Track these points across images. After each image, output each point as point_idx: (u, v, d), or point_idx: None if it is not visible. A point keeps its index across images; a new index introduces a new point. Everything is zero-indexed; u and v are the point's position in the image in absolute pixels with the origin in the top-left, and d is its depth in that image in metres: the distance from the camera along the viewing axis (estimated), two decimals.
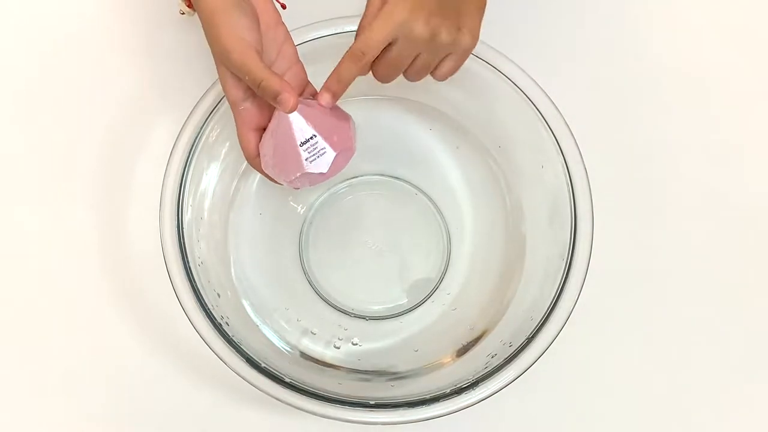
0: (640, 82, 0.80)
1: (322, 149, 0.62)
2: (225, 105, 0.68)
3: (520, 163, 0.74)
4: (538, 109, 0.68)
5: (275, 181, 0.65)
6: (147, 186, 0.75)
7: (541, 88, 0.68)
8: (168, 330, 0.75)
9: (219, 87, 0.67)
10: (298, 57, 0.64)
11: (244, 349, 0.65)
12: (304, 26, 0.67)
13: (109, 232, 0.76)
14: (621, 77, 0.79)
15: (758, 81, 0.80)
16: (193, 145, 0.67)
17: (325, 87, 0.61)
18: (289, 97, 0.59)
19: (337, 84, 0.61)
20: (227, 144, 0.72)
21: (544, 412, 0.76)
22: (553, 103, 0.68)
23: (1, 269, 0.76)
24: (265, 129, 0.64)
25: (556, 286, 0.67)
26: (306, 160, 0.62)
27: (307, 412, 0.64)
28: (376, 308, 0.76)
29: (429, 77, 0.64)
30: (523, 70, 0.68)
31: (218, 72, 0.62)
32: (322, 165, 0.62)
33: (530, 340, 0.66)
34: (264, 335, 0.73)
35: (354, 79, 0.61)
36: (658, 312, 0.77)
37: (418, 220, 0.77)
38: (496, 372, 0.65)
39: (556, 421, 0.76)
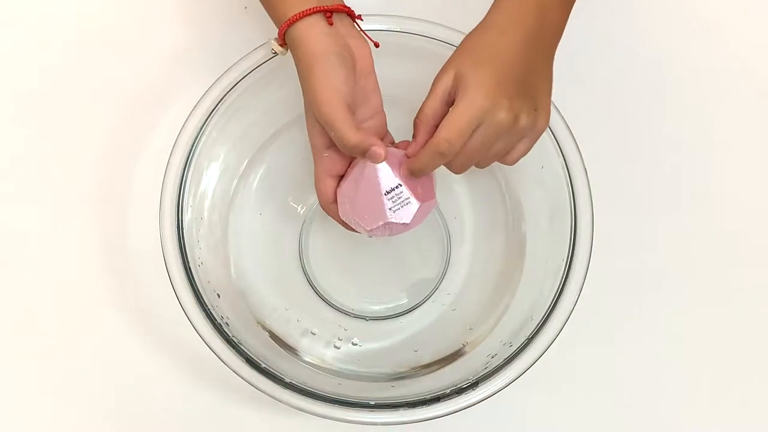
0: (640, 82, 0.80)
1: (407, 199, 0.61)
2: (225, 105, 0.68)
3: (520, 163, 0.74)
4: None
5: (351, 228, 0.65)
6: (147, 186, 0.74)
7: None
8: (168, 330, 0.75)
9: (219, 87, 0.67)
10: (382, 107, 0.64)
11: (244, 349, 0.65)
12: None
13: (109, 232, 0.76)
14: (621, 77, 0.79)
15: (758, 81, 0.80)
16: (193, 145, 0.67)
17: (409, 168, 0.61)
18: (379, 150, 0.59)
19: (420, 172, 0.61)
20: (227, 144, 0.72)
21: (544, 412, 0.76)
22: (552, 103, 0.68)
23: (0, 269, 0.76)
24: (342, 176, 0.64)
25: (556, 286, 0.67)
26: (390, 209, 0.61)
27: (307, 412, 0.64)
28: (376, 308, 0.76)
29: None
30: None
31: (306, 116, 0.62)
32: (405, 215, 0.62)
33: (530, 340, 0.66)
34: (264, 335, 0.73)
35: (438, 167, 0.61)
36: (658, 312, 0.77)
37: None
38: (496, 372, 0.65)
39: (556, 421, 0.76)
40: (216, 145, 0.71)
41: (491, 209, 0.76)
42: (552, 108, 0.68)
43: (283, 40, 0.61)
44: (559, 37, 0.62)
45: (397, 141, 0.66)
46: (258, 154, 0.76)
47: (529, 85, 0.60)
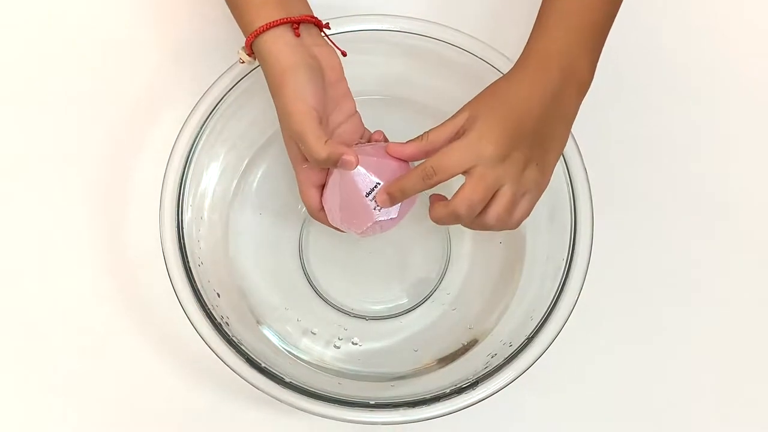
0: (640, 82, 0.80)
1: None
2: (225, 105, 0.68)
3: None
4: None
5: (342, 231, 0.65)
6: (147, 186, 0.75)
7: None
8: (168, 330, 0.75)
9: (219, 87, 0.67)
10: (355, 108, 0.64)
11: (244, 349, 0.65)
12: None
13: (109, 232, 0.76)
14: (621, 77, 0.79)
15: (759, 81, 0.80)
16: (193, 145, 0.68)
17: (387, 190, 0.61)
18: (350, 158, 0.59)
19: (400, 194, 0.61)
20: (227, 144, 0.73)
21: (544, 412, 0.76)
22: None
23: (1, 269, 0.76)
24: (324, 185, 0.64)
25: (556, 286, 0.67)
26: (375, 209, 0.62)
27: (307, 412, 0.64)
28: (376, 308, 0.76)
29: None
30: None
31: (281, 129, 0.62)
32: (391, 211, 0.62)
33: (530, 340, 0.66)
34: (264, 335, 0.73)
35: (418, 192, 0.61)
36: (658, 311, 0.77)
37: (418, 219, 0.77)
38: (496, 372, 0.65)
39: (556, 421, 0.76)
40: (216, 144, 0.71)
41: None
42: None
43: (251, 50, 0.62)
44: (583, 95, 0.62)
45: (390, 141, 0.66)
46: (258, 154, 0.76)
47: (538, 142, 0.60)
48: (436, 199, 0.62)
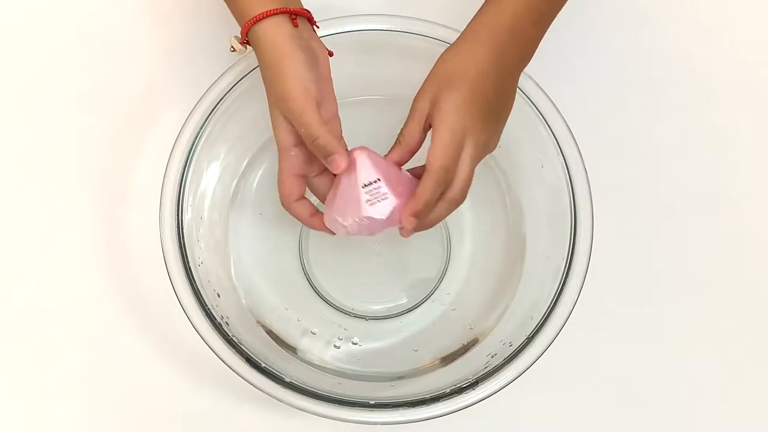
0: (640, 82, 0.80)
1: (384, 195, 0.61)
2: (225, 105, 0.68)
3: (520, 163, 0.74)
4: (538, 109, 0.68)
5: (331, 232, 0.64)
6: (147, 186, 0.75)
7: (541, 88, 0.68)
8: (168, 330, 0.75)
9: (219, 87, 0.67)
10: (337, 111, 0.64)
11: (244, 349, 0.65)
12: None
13: (109, 232, 0.76)
14: (621, 77, 0.80)
15: (759, 81, 0.80)
16: (193, 145, 0.68)
17: (411, 212, 0.60)
18: (341, 160, 0.60)
19: (425, 208, 0.60)
20: (227, 144, 0.73)
21: (544, 412, 0.76)
22: (553, 103, 0.68)
23: (1, 269, 0.76)
24: (305, 175, 0.64)
25: (556, 286, 0.67)
26: (367, 201, 0.61)
27: (307, 412, 0.64)
28: (376, 308, 0.76)
29: None
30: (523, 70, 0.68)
31: (271, 114, 0.62)
32: (382, 210, 0.61)
33: (530, 339, 0.66)
34: (264, 335, 0.73)
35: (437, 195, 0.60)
36: (658, 311, 0.77)
37: None
38: (496, 372, 0.65)
39: (556, 421, 0.76)
40: (216, 144, 0.71)
41: (491, 209, 0.76)
42: (552, 107, 0.68)
43: (245, 38, 0.62)
44: (528, 58, 0.63)
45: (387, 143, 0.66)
46: (258, 154, 0.76)
47: (497, 105, 0.61)
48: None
